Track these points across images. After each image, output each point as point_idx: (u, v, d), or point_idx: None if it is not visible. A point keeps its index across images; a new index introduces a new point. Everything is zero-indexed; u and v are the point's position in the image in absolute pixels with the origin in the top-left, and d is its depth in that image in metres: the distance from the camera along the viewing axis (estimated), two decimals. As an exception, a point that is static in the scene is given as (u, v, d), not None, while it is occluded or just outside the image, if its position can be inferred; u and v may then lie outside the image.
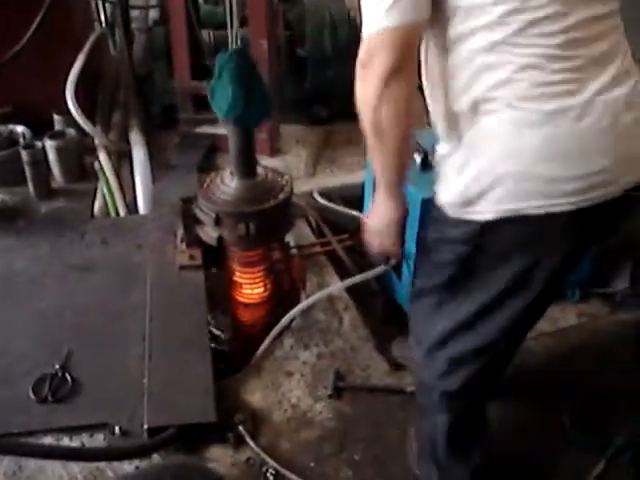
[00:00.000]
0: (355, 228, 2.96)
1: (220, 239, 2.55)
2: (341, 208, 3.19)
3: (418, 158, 2.73)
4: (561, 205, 1.39)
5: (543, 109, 1.35)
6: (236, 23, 2.56)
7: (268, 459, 2.06)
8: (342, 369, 2.36)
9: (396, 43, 1.35)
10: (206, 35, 3.78)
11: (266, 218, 2.51)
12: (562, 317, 2.90)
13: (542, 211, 1.39)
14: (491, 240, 1.48)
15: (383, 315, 2.90)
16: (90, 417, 2.19)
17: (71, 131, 3.46)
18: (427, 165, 2.71)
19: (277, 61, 3.61)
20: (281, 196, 2.54)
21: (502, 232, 1.45)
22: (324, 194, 3.27)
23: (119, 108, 3.80)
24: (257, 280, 2.79)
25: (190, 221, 2.64)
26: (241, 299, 2.83)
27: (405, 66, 1.37)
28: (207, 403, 2.14)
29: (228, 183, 2.55)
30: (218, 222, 2.51)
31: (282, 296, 2.87)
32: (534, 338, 2.70)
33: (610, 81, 1.38)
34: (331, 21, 3.80)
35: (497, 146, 1.40)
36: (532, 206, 1.39)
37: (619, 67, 1.40)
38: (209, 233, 2.57)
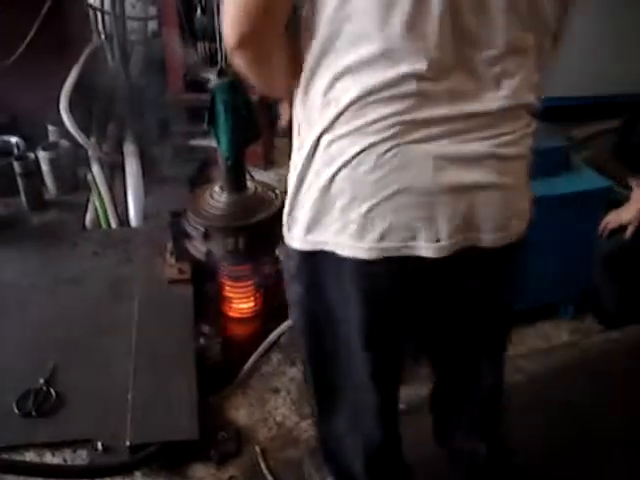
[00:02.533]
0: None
1: (209, 253, 2.53)
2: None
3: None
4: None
5: None
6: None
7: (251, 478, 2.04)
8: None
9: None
10: (202, 47, 3.77)
11: (255, 232, 2.50)
12: (555, 334, 2.89)
13: None
14: None
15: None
16: (73, 433, 2.17)
17: (65, 142, 3.46)
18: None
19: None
20: (271, 210, 2.53)
21: None
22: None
23: (114, 120, 3.80)
24: (247, 294, 2.78)
25: (180, 235, 2.62)
26: (231, 314, 2.81)
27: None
28: (191, 421, 2.11)
29: (217, 197, 2.54)
30: (207, 236, 2.50)
31: (272, 311, 2.85)
32: (525, 356, 2.69)
33: None
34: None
35: None
36: None
37: None
38: (198, 247, 2.55)
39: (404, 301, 1.47)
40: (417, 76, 1.21)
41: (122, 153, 3.54)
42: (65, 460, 2.11)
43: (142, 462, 2.05)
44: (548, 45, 1.38)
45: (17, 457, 2.11)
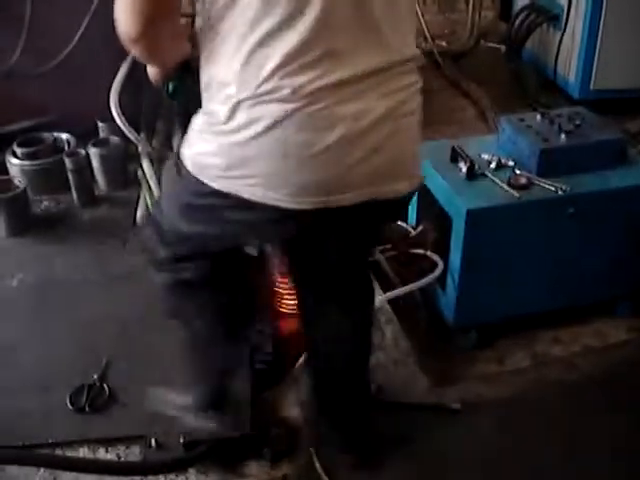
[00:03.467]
0: (399, 238, 2.90)
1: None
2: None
3: (464, 167, 2.65)
4: None
5: None
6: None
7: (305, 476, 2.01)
8: (383, 383, 2.29)
9: None
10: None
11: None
12: (612, 333, 2.81)
13: None
14: None
15: (426, 329, 2.83)
16: (127, 429, 2.17)
17: (115, 138, 3.48)
18: (473, 175, 2.64)
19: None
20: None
21: None
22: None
23: (163, 115, 3.80)
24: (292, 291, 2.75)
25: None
26: (283, 309, 2.78)
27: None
28: (244, 417, 2.10)
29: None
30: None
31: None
32: (581, 354, 2.61)
33: None
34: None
35: None
36: None
37: None
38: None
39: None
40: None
41: (171, 148, 3.54)
42: (119, 456, 2.11)
43: (196, 459, 2.04)
44: None
45: (71, 453, 2.12)
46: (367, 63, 1.42)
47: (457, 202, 2.55)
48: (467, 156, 2.67)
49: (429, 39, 4.99)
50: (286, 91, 1.36)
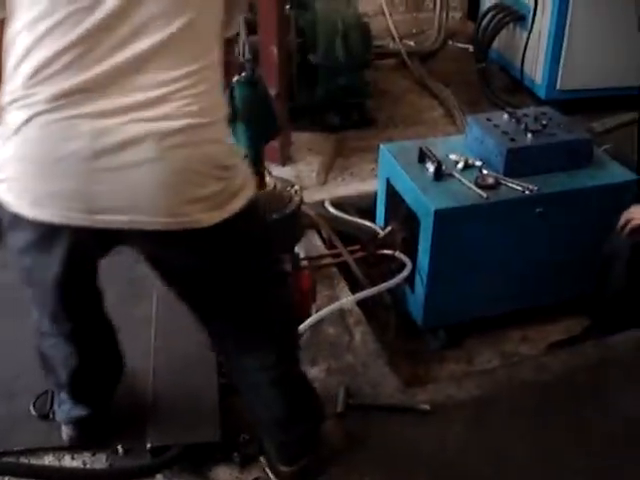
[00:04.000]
0: (367, 239, 2.89)
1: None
2: (353, 218, 3.11)
3: (431, 167, 2.65)
4: None
5: None
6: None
7: (275, 480, 1.99)
8: (352, 386, 2.28)
9: None
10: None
11: (274, 230, 2.44)
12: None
13: None
14: None
15: (396, 330, 2.82)
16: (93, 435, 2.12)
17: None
18: (441, 175, 2.65)
19: (288, 68, 3.53)
20: (290, 207, 2.47)
21: None
22: (336, 203, 3.19)
23: None
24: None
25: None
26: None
27: None
28: (212, 422, 2.07)
29: (236, 194, 2.48)
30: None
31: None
32: (550, 353, 2.63)
33: None
34: (343, 28, 3.73)
35: None
36: None
37: None
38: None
39: None
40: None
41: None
42: (85, 463, 2.06)
43: (163, 465, 2.00)
44: None
45: (36, 461, 2.07)
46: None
47: (425, 202, 2.55)
48: (434, 157, 2.68)
49: (396, 39, 4.97)
50: (35, 98, 1.37)
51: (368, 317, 2.66)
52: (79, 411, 2.05)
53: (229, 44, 1.82)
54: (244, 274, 1.69)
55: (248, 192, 1.58)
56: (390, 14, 5.37)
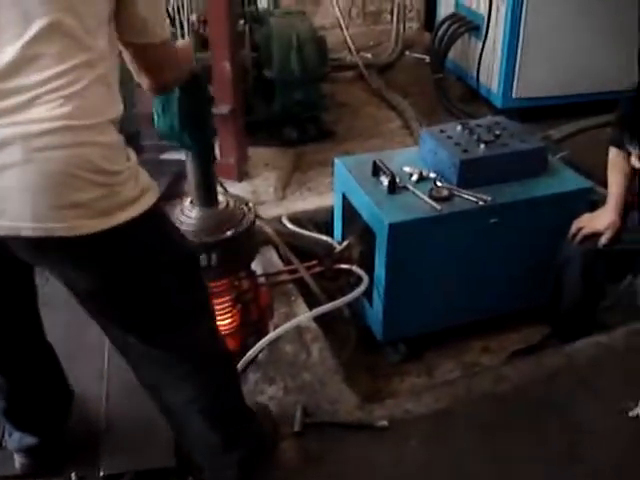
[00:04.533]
0: (324, 253, 2.87)
1: (181, 270, 2.45)
2: (310, 233, 3.09)
3: (385, 181, 2.65)
4: None
5: None
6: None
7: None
8: (310, 404, 2.25)
9: None
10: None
11: (228, 248, 2.41)
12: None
13: None
14: None
15: (355, 344, 2.81)
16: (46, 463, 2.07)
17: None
18: (395, 188, 2.64)
19: (242, 84, 3.51)
20: (243, 224, 2.44)
21: None
22: (293, 219, 3.17)
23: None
24: (224, 311, 2.69)
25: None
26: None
27: None
28: (166, 447, 2.03)
29: (188, 213, 2.45)
30: (178, 253, 2.42)
31: (250, 327, 2.77)
32: (510, 363, 2.62)
33: None
34: (298, 42, 3.72)
35: None
36: None
37: None
38: (170, 264, 2.47)
39: None
40: None
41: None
42: (38, 492, 2.02)
43: (117, 493, 1.97)
44: None
45: (-12, 489, 2.04)
46: None
47: (379, 216, 2.54)
48: (388, 170, 2.67)
49: (353, 51, 4.98)
50: None
51: (327, 332, 2.63)
52: (29, 440, 2.01)
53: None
54: (145, 296, 1.61)
55: (145, 202, 1.50)
56: (347, 27, 5.41)
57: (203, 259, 2.38)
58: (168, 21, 1.64)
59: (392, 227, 2.48)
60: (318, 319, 2.64)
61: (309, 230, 3.15)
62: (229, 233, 2.40)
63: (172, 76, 1.74)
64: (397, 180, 2.66)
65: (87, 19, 1.40)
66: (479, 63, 4.23)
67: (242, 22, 3.75)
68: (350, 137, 4.08)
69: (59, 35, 1.35)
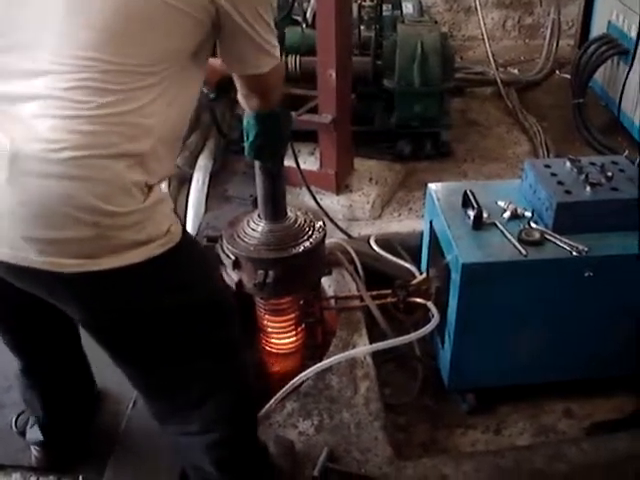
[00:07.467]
0: (399, 284, 2.66)
1: (239, 283, 2.36)
2: (394, 258, 2.89)
3: (471, 215, 2.41)
4: None
5: None
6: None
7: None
8: (339, 448, 2.08)
9: None
10: (291, 61, 3.62)
11: (287, 266, 2.30)
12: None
13: None
14: None
15: (422, 385, 2.61)
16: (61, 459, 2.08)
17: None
18: (481, 224, 2.40)
19: (349, 93, 3.33)
20: (307, 243, 2.32)
21: None
22: (382, 240, 2.98)
23: (199, 130, 3.69)
24: (285, 330, 2.59)
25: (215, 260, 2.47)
26: (269, 348, 2.64)
27: None
28: (172, 470, 1.96)
29: (254, 225, 2.36)
30: (237, 266, 2.33)
31: (314, 350, 2.64)
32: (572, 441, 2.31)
33: None
34: (422, 52, 3.51)
35: None
36: None
37: None
38: (230, 275, 2.39)
39: None
40: None
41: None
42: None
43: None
44: None
45: (3, 477, 2.07)
46: None
47: (455, 253, 2.32)
48: (476, 203, 2.43)
49: (493, 66, 4.66)
50: None
51: (396, 369, 2.45)
52: (47, 435, 2.03)
53: None
54: (141, 342, 1.48)
55: (154, 248, 1.35)
56: (500, 39, 5.10)
57: (260, 275, 2.28)
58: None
59: (465, 267, 2.25)
60: (386, 354, 2.46)
61: (398, 254, 2.95)
62: (289, 252, 2.29)
63: (279, 95, 1.74)
64: (485, 215, 2.41)
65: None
66: (622, 90, 3.82)
67: (362, 27, 3.64)
68: (470, 158, 3.81)
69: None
